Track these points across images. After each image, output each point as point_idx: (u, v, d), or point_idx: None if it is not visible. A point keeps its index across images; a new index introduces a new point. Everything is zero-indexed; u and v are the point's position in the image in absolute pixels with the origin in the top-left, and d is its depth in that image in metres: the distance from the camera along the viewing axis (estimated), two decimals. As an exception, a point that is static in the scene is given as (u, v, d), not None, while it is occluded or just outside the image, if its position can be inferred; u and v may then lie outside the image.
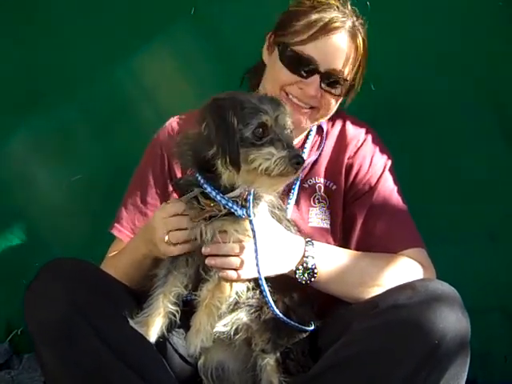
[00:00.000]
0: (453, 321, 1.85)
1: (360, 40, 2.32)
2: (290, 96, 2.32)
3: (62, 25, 3.12)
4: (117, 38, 3.09)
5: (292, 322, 2.11)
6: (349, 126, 2.50)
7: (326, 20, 2.24)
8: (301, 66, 2.28)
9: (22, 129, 3.23)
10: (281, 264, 2.13)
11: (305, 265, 2.14)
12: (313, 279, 2.15)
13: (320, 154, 2.47)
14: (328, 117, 2.44)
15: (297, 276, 2.15)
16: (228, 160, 1.86)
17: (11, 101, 3.20)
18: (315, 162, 2.46)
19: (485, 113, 2.96)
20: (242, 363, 2.20)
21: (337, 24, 2.25)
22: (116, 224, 2.48)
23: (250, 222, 1.99)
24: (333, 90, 2.32)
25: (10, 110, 3.20)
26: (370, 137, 2.49)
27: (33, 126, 3.22)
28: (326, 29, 2.24)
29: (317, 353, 2.17)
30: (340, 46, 2.26)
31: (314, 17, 2.25)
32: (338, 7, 2.29)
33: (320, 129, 2.51)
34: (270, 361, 2.10)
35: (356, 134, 2.49)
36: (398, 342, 1.88)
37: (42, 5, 3.13)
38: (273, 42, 2.39)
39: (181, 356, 2.25)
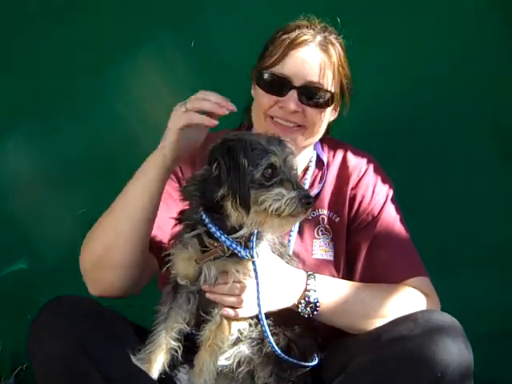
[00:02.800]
0: (455, 352, 1.85)
1: (334, 51, 2.31)
2: (275, 119, 2.33)
3: (63, 47, 3.18)
4: (122, 66, 3.15)
5: (292, 360, 2.09)
6: (350, 156, 2.50)
7: (293, 37, 2.27)
8: (276, 85, 2.30)
9: (26, 161, 3.27)
10: (283, 299, 2.13)
11: (307, 299, 2.14)
12: (315, 313, 2.15)
13: (323, 186, 2.47)
14: (318, 134, 2.41)
15: (299, 310, 2.15)
16: (238, 202, 1.87)
17: (14, 132, 3.24)
18: (318, 194, 2.45)
19: (485, 137, 2.99)
20: (245, 396, 2.19)
21: (304, 37, 2.27)
22: None
23: (253, 262, 2.00)
24: (312, 102, 2.30)
25: (13, 142, 3.25)
26: (371, 166, 2.49)
27: (38, 159, 3.26)
28: (294, 44, 2.27)
29: (321, 385, 2.17)
30: (310, 58, 2.27)
31: (283, 37, 2.30)
32: (307, 26, 2.32)
33: (320, 162, 2.50)
34: (272, 394, 2.09)
35: (358, 163, 2.48)
36: (400, 374, 1.87)
37: (34, 36, 3.17)
38: (253, 73, 2.42)
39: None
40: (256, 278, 2.00)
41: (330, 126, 2.49)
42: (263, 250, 2.07)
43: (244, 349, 2.09)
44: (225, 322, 2.03)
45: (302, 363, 2.12)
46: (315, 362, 2.17)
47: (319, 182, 2.47)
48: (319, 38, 2.30)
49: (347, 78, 2.39)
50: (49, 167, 3.28)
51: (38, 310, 2.02)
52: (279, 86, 2.29)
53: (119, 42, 3.12)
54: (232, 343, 2.08)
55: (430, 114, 2.99)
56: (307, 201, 1.87)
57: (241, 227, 1.97)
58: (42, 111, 3.22)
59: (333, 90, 2.33)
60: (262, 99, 2.33)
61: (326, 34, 2.33)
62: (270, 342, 2.04)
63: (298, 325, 2.17)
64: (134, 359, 2.02)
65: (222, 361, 2.07)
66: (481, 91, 2.95)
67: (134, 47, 3.14)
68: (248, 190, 1.87)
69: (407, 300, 2.24)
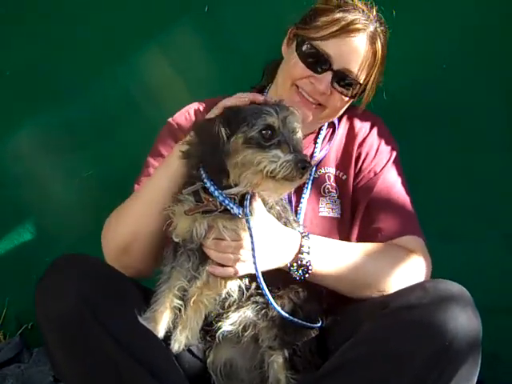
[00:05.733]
0: (464, 321, 1.83)
1: (379, 46, 2.29)
2: (301, 90, 2.31)
3: (74, 21, 3.14)
4: (128, 35, 3.10)
5: (294, 319, 2.09)
6: (358, 116, 2.51)
7: (349, 20, 2.22)
8: (316, 60, 2.27)
9: (34, 125, 3.26)
10: (275, 259, 2.11)
11: (299, 262, 2.12)
12: (307, 275, 2.14)
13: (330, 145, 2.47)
14: (333, 118, 2.43)
15: (291, 272, 2.14)
16: (212, 172, 1.92)
17: (23, 98, 3.22)
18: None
19: (499, 112, 2.95)
20: (251, 360, 2.19)
21: (358, 26, 2.23)
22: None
23: (247, 220, 1.99)
24: (343, 90, 2.31)
25: (22, 107, 3.23)
26: (377, 127, 2.49)
27: (44, 122, 3.25)
28: (347, 29, 2.22)
29: (326, 352, 2.15)
30: (358, 47, 2.25)
31: (338, 15, 2.24)
32: (363, 10, 2.27)
33: (331, 123, 2.50)
34: (277, 358, 2.10)
35: (364, 123, 2.49)
36: (408, 342, 1.86)
37: (55, 3, 3.15)
38: (293, 35, 2.38)
39: (190, 352, 2.24)
40: (251, 236, 1.99)
41: None
42: (257, 210, 2.05)
43: (249, 313, 2.10)
44: (211, 279, 2.03)
45: (305, 323, 2.11)
46: (318, 324, 2.16)
47: (328, 142, 2.47)
48: (371, 27, 2.26)
49: (381, 74, 2.37)
50: (55, 130, 3.26)
51: (44, 269, 2.02)
52: (318, 62, 2.27)
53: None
54: (236, 307, 2.09)
55: (443, 88, 2.95)
56: (303, 165, 1.85)
57: (236, 186, 1.97)
58: (48, 78, 3.20)
59: (365, 85, 2.33)
60: (296, 68, 2.31)
61: (378, 24, 2.30)
62: (268, 300, 2.03)
63: (301, 288, 2.16)
64: (140, 319, 2.02)
65: (227, 326, 2.09)
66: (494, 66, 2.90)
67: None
68: (220, 158, 1.89)
69: (404, 265, 2.21)
